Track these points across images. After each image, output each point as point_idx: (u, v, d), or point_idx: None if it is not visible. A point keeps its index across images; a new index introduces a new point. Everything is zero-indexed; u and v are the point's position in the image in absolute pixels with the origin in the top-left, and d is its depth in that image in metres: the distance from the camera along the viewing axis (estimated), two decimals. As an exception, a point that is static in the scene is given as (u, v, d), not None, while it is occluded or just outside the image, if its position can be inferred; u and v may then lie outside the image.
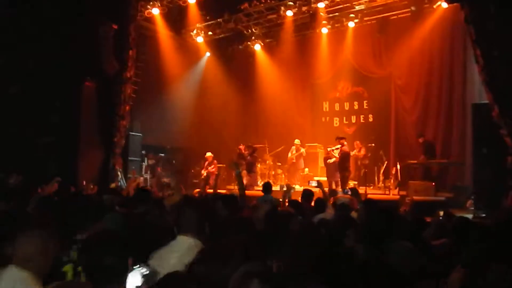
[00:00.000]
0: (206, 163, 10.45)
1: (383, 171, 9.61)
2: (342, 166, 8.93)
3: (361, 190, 8.32)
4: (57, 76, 10.11)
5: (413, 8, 9.62)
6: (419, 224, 3.20)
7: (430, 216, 3.98)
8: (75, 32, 9.60)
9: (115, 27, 9.53)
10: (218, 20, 11.28)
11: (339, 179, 9.12)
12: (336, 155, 9.14)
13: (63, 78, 9.87)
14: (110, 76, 9.63)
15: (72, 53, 9.61)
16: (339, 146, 9.08)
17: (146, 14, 10.48)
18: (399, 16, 10.33)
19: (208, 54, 12.42)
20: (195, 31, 11.58)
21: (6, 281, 1.69)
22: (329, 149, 9.72)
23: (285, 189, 5.46)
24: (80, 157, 9.36)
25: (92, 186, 8.17)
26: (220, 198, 4.01)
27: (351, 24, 10.83)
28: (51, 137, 9.75)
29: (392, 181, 9.19)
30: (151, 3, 10.29)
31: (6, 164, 7.56)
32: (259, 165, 11.02)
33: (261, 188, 5.94)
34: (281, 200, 5.17)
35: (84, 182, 8.34)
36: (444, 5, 9.35)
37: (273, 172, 11.35)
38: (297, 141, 10.87)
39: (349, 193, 5.43)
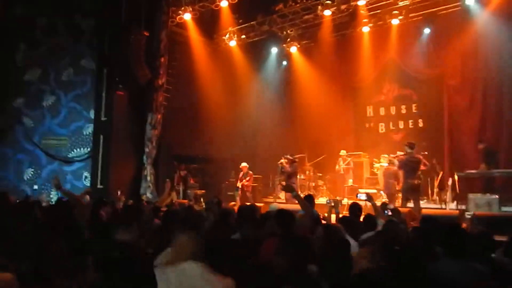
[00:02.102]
0: (241, 174, 9.84)
1: (438, 182, 8.78)
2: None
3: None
4: (90, 86, 10.16)
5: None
6: (487, 242, 3.00)
7: (497, 234, 3.57)
8: (107, 42, 9.55)
9: (147, 34, 9.37)
10: (252, 22, 11.00)
11: (392, 192, 8.20)
12: (396, 162, 8.01)
13: (95, 87, 9.83)
14: (142, 85, 9.45)
15: (104, 62, 9.54)
16: (402, 153, 7.71)
17: (177, 19, 10.22)
18: (449, 10, 9.58)
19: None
20: (227, 35, 11.29)
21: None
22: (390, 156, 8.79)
23: (332, 204, 5.05)
24: (112, 167, 9.30)
25: (124, 197, 8.16)
26: (274, 215, 3.59)
27: (395, 22, 10.16)
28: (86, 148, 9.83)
29: (448, 193, 8.34)
30: (183, 8, 10.06)
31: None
32: (298, 177, 10.27)
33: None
34: (325, 215, 4.84)
35: (119, 192, 8.37)
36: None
37: (313, 184, 10.65)
38: (343, 152, 10.32)
39: (389, 213, 4.84)
